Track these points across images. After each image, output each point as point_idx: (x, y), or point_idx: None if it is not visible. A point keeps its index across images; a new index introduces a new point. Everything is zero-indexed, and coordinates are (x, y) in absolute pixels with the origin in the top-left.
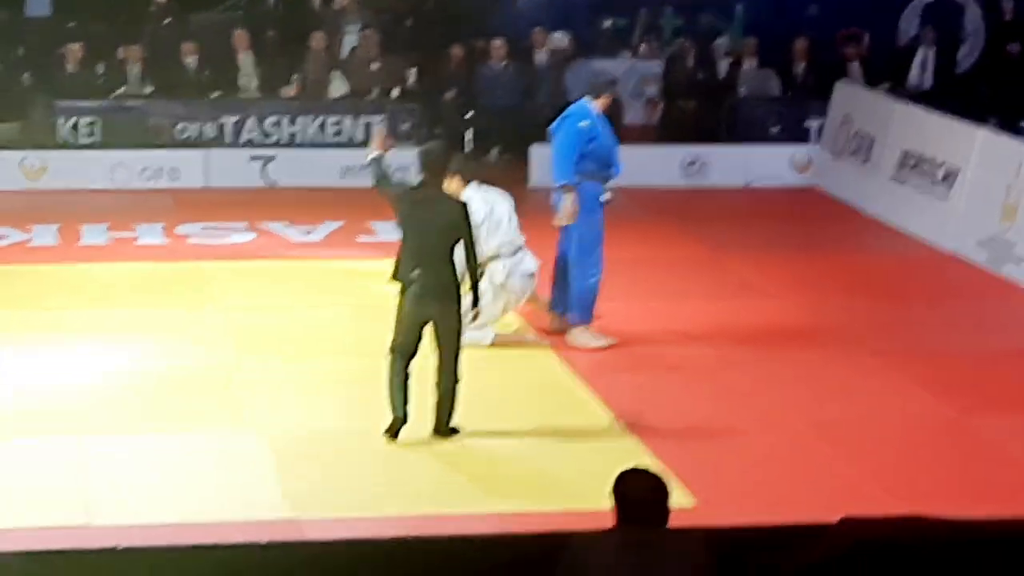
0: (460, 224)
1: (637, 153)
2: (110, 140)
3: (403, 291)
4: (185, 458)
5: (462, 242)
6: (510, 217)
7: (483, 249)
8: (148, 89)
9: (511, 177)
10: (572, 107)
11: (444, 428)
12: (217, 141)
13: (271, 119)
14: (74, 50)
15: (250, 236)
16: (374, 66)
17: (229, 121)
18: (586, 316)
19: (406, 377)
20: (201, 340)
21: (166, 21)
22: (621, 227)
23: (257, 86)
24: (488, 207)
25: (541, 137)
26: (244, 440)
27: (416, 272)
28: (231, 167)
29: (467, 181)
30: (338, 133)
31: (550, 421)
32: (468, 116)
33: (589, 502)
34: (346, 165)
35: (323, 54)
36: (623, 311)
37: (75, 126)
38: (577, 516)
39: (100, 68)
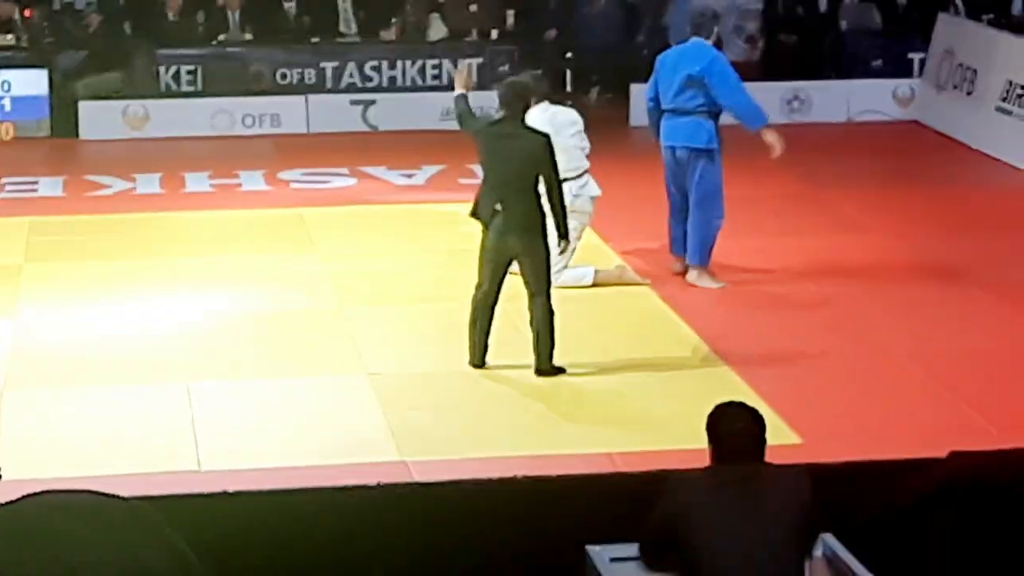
0: (542, 158)
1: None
2: (211, 87)
3: (485, 228)
4: (292, 402)
5: (543, 177)
6: (581, 138)
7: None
8: (248, 36)
9: (611, 116)
10: (692, 47)
11: (547, 366)
12: (317, 86)
13: (371, 63)
14: None
15: (351, 181)
16: (473, 8)
17: (329, 66)
18: (706, 259)
19: (489, 321)
20: (305, 285)
21: None
22: (723, 164)
23: (357, 30)
24: (553, 129)
25: (641, 76)
26: (351, 383)
27: (498, 207)
28: (332, 112)
29: (537, 101)
30: (437, 76)
31: (651, 359)
32: (567, 56)
33: (690, 440)
34: (446, 107)
35: None
36: (724, 248)
37: (176, 74)
38: (678, 454)
39: (200, 16)
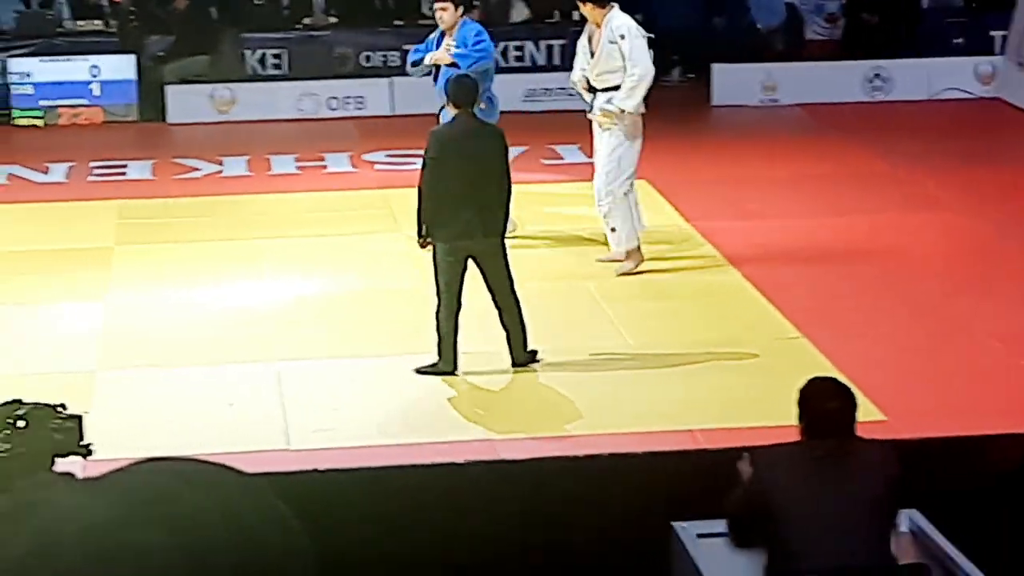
0: (504, 151)
1: (819, 69)
2: (297, 70)
3: (437, 234)
4: (380, 381)
5: (501, 172)
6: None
7: (641, 70)
8: (333, 19)
9: (692, 96)
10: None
11: (523, 358)
12: (401, 68)
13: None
14: None
15: None
16: None
17: (412, 48)
18: None
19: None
20: (390, 265)
21: None
22: (804, 143)
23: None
24: (636, 29)
25: (723, 56)
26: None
27: (456, 211)
28: (416, 94)
29: (607, 3)
30: (520, 58)
31: (732, 336)
32: (648, 36)
33: (774, 417)
34: (529, 89)
35: None
36: (806, 226)
37: (262, 58)
38: (761, 431)
39: (284, 0)
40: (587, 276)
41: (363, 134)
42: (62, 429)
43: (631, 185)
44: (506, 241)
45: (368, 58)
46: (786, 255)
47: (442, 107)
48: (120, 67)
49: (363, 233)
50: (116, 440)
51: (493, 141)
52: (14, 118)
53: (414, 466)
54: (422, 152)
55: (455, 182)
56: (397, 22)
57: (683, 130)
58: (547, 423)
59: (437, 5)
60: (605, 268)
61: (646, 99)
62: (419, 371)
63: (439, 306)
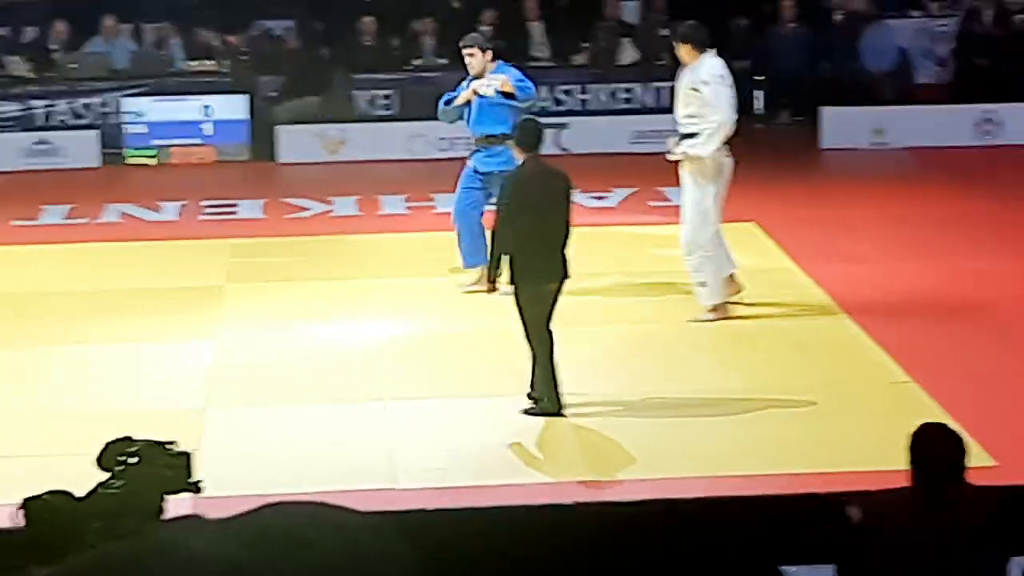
0: (570, 195)
1: (929, 112)
2: (406, 111)
3: (525, 277)
4: (486, 421)
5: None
6: None
7: (720, 117)
8: (442, 60)
9: (802, 139)
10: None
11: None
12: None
13: (563, 87)
14: (369, 24)
15: None
16: (663, 32)
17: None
18: None
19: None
20: (497, 306)
21: None
22: (913, 186)
23: (549, 55)
24: (728, 76)
25: (832, 99)
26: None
27: (538, 254)
28: None
29: (704, 48)
30: (629, 100)
31: (841, 380)
32: (758, 79)
33: (881, 461)
34: (637, 131)
35: (613, 22)
36: (914, 269)
37: (372, 98)
38: (869, 475)
39: (395, 41)
40: (693, 318)
41: None
42: (172, 466)
43: (718, 233)
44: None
45: None
46: (895, 298)
47: (475, 150)
48: (232, 107)
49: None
50: (225, 477)
51: (562, 183)
52: (127, 157)
53: (520, 507)
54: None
55: (533, 225)
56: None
57: (791, 172)
58: (651, 465)
59: (465, 51)
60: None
61: (734, 141)
62: (527, 412)
63: (535, 349)
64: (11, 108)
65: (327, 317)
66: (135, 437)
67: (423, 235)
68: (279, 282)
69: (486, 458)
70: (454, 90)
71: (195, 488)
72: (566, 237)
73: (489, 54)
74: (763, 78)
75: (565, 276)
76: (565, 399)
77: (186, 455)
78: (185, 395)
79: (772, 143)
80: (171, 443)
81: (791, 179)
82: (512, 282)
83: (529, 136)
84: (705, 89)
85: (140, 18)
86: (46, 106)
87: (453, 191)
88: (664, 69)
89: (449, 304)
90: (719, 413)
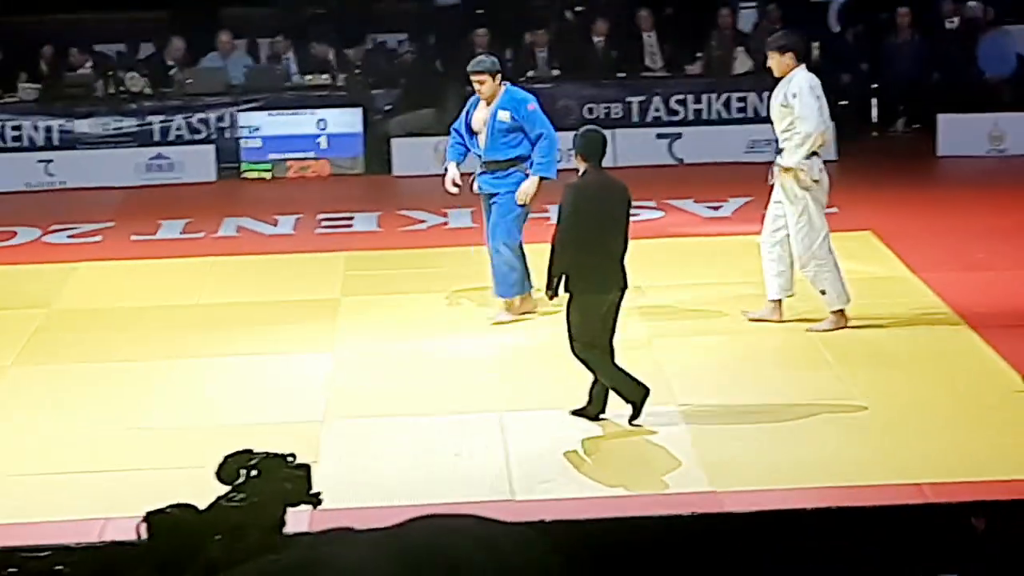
0: (627, 208)
1: None
2: None
3: (582, 287)
4: (603, 433)
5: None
6: None
7: (808, 127)
8: (555, 71)
9: (918, 147)
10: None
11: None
12: (624, 120)
13: (677, 97)
14: (482, 36)
15: (659, 214)
16: None
17: (635, 100)
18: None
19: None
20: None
21: (577, 8)
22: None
23: (662, 65)
24: (819, 85)
25: (948, 107)
26: (661, 414)
27: (598, 263)
28: (638, 146)
29: (797, 60)
30: (743, 109)
31: (962, 389)
32: (873, 87)
33: (1005, 472)
34: (752, 140)
35: (727, 31)
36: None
37: None
38: (990, 485)
39: (508, 53)
40: (812, 328)
41: None
42: (292, 478)
43: (828, 240)
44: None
45: (591, 110)
46: (1015, 306)
47: (480, 172)
48: (347, 120)
49: None
50: (344, 490)
51: (622, 195)
52: (243, 171)
53: (638, 517)
54: (645, 203)
55: (593, 235)
56: (620, 74)
57: (908, 181)
58: (772, 476)
59: (474, 78)
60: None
61: (850, 149)
62: (631, 422)
63: (588, 358)
64: (128, 124)
65: (443, 329)
66: (255, 450)
67: (539, 246)
68: (394, 294)
69: (602, 470)
70: (461, 115)
71: (316, 501)
72: (624, 248)
73: (499, 78)
74: (877, 87)
75: (624, 287)
76: (683, 409)
77: (306, 467)
78: (303, 408)
79: (888, 151)
80: (291, 456)
81: (908, 187)
82: (568, 290)
83: (593, 146)
84: (795, 102)
85: (255, 33)
86: (163, 121)
87: None
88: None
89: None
90: (839, 423)
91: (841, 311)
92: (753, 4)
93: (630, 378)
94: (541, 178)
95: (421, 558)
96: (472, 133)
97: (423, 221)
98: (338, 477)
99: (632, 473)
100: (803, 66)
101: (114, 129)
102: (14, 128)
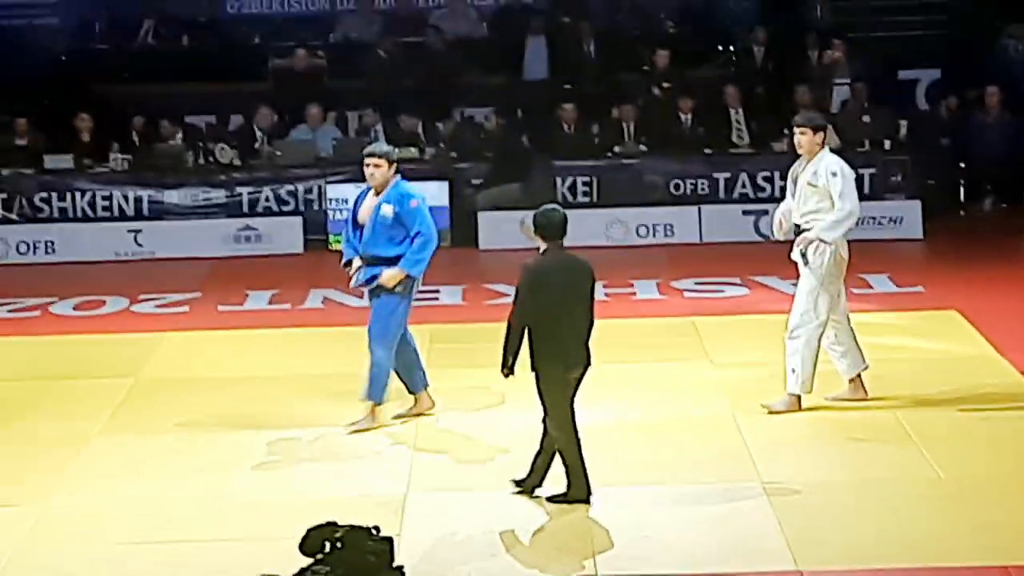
0: (591, 286)
1: None
2: (606, 198)
3: (548, 365)
4: (688, 509)
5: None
6: None
7: (851, 206)
8: (642, 147)
9: (1006, 226)
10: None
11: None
12: (710, 196)
13: (763, 174)
14: (569, 110)
15: (744, 290)
16: (865, 118)
17: (722, 177)
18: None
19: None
20: (698, 392)
21: (664, 84)
22: None
23: (749, 141)
24: (850, 170)
25: None
26: (745, 490)
27: (561, 342)
28: (724, 222)
29: (825, 142)
30: None
31: None
32: (961, 165)
33: None
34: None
35: (814, 108)
36: None
37: (573, 185)
38: None
39: (595, 128)
40: (895, 406)
41: (672, 261)
42: (376, 551)
43: (823, 329)
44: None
45: (677, 186)
46: None
47: (359, 267)
48: (434, 193)
49: (672, 360)
50: (426, 563)
51: (583, 273)
52: (331, 243)
53: None
54: (730, 280)
55: (554, 313)
56: (707, 150)
57: (996, 259)
58: (859, 555)
59: (369, 160)
60: (917, 398)
61: (938, 227)
62: (551, 499)
63: (559, 437)
64: (218, 195)
65: (527, 403)
66: (339, 522)
67: (624, 321)
68: (478, 368)
69: (690, 547)
70: (354, 204)
71: (399, 574)
72: (590, 327)
73: (394, 167)
74: (965, 165)
75: (587, 364)
76: (768, 486)
77: (389, 540)
78: (388, 480)
79: (975, 230)
80: (375, 528)
81: (995, 267)
82: (534, 368)
83: (553, 225)
84: (835, 180)
85: (344, 106)
86: (251, 193)
87: (653, 278)
88: (865, 156)
89: (651, 390)
90: (924, 502)
91: (797, 397)
92: (846, 81)
93: (584, 474)
94: (407, 275)
95: None
96: (356, 226)
97: (507, 295)
98: (421, 551)
99: (718, 551)
100: (827, 147)
101: (203, 200)
102: (104, 198)
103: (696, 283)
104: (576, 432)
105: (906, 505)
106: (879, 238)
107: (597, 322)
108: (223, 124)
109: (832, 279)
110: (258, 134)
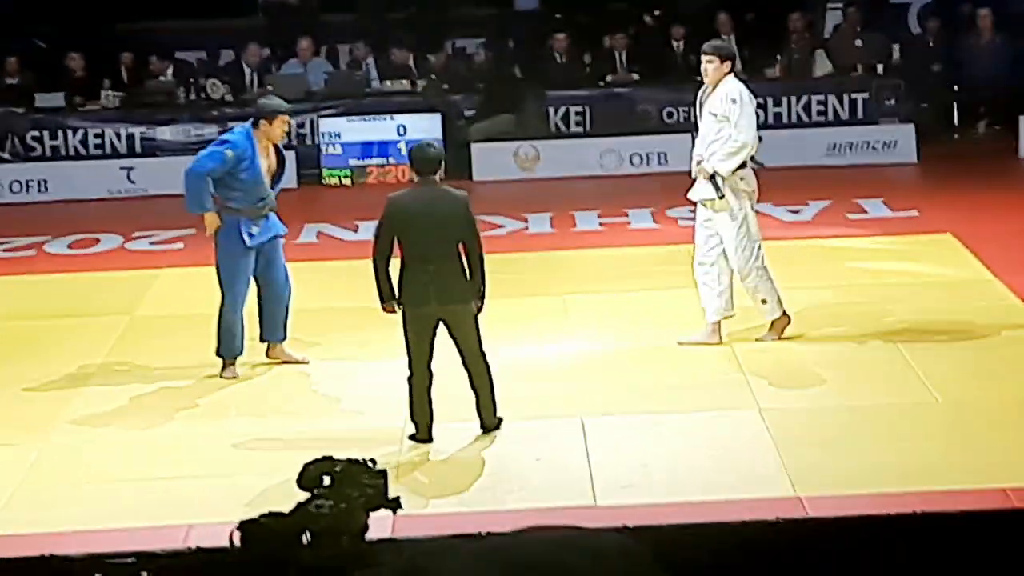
0: (466, 219)
1: None
2: (599, 127)
3: (403, 300)
4: (685, 437)
5: (465, 240)
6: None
7: (746, 137)
8: (635, 76)
9: (999, 148)
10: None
11: (493, 422)
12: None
13: (756, 100)
14: (561, 40)
15: None
16: (858, 43)
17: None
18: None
19: (431, 400)
20: (695, 322)
21: (656, 11)
22: None
23: (742, 68)
24: (749, 100)
25: None
26: (743, 418)
27: (416, 277)
28: None
29: (732, 67)
30: (823, 112)
31: None
32: (954, 89)
33: None
34: (832, 143)
35: (806, 34)
36: None
37: (566, 115)
38: None
39: (587, 58)
40: (891, 331)
41: (665, 189)
42: (373, 484)
43: (762, 249)
44: (476, 304)
45: (670, 114)
46: None
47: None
48: (426, 126)
49: (666, 288)
50: (425, 494)
51: (453, 208)
52: (324, 177)
53: (722, 524)
54: None
55: (412, 248)
56: (698, 78)
57: (989, 183)
58: (855, 480)
59: (288, 119)
60: (912, 322)
61: (934, 151)
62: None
63: (410, 374)
64: (210, 131)
65: (523, 334)
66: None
67: (617, 250)
68: None
69: (684, 475)
70: (229, 161)
71: (395, 506)
72: (476, 259)
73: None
74: (958, 88)
75: (457, 302)
76: (766, 412)
77: (384, 473)
78: (386, 414)
79: (968, 154)
80: (371, 461)
81: (989, 190)
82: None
83: (420, 160)
84: (734, 108)
85: (335, 40)
86: None
87: (647, 206)
88: (859, 80)
89: (645, 319)
90: (923, 428)
91: (783, 316)
92: (838, 5)
93: (427, 416)
94: None
95: (529, 570)
96: (257, 180)
97: (502, 226)
98: (418, 482)
99: (715, 479)
100: (733, 74)
101: (195, 136)
102: (96, 136)
103: (691, 211)
104: (424, 374)
105: (903, 430)
106: (873, 162)
107: (593, 252)
108: (214, 60)
109: (744, 205)
110: (246, 70)
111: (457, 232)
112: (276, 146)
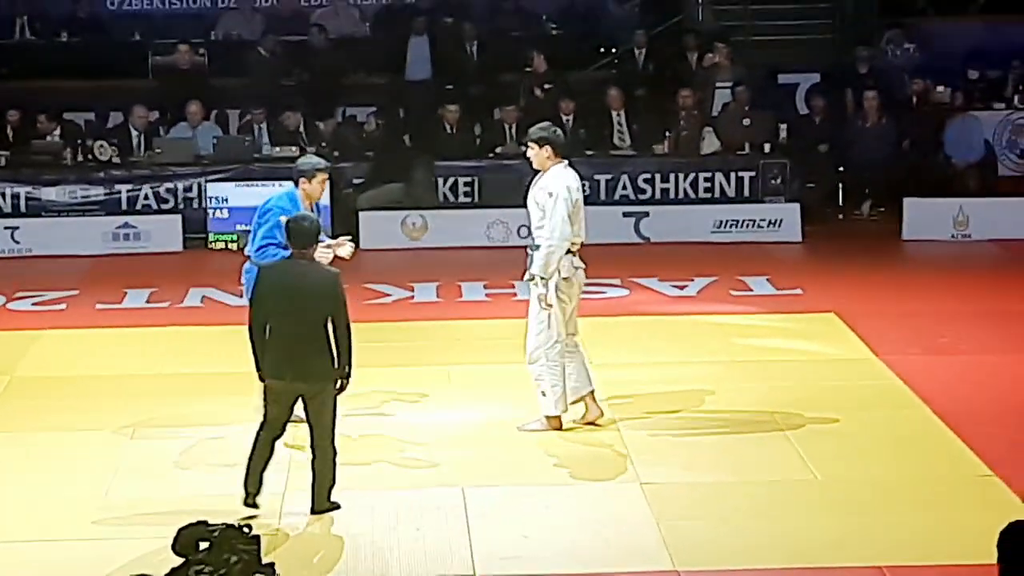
0: (335, 296)
1: (1012, 204)
2: (488, 198)
3: (268, 372)
4: (565, 510)
5: (333, 317)
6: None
7: (565, 231)
8: (523, 148)
9: (883, 229)
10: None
11: (325, 506)
12: (591, 198)
13: (644, 176)
14: (452, 111)
15: (624, 292)
16: (746, 122)
17: (603, 178)
18: None
19: (270, 458)
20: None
21: (546, 85)
22: (996, 279)
23: (630, 144)
24: (578, 187)
25: (915, 190)
26: (623, 492)
27: (277, 350)
28: (605, 223)
29: (560, 156)
30: (710, 189)
31: (922, 472)
32: (840, 169)
33: (968, 556)
34: (718, 220)
35: (695, 111)
36: (998, 362)
37: (454, 185)
38: (950, 570)
39: (477, 128)
40: (774, 408)
41: None
42: (248, 550)
43: (565, 346)
44: (339, 384)
45: None
46: (977, 391)
47: None
48: None
49: None
50: (304, 562)
51: (323, 284)
52: (210, 241)
53: None
54: (610, 281)
55: (276, 321)
56: (588, 152)
57: (872, 263)
58: (735, 556)
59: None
60: (794, 399)
61: (818, 230)
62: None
63: (255, 438)
64: (96, 192)
65: (407, 403)
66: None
67: (503, 321)
68: (359, 368)
69: (567, 546)
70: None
71: (271, 572)
72: (344, 338)
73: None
74: (844, 169)
75: (321, 380)
76: (646, 487)
77: (257, 538)
78: (266, 480)
79: (853, 234)
80: (247, 526)
81: (872, 270)
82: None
83: (296, 232)
84: (548, 201)
85: (226, 104)
86: (130, 190)
87: None
88: (746, 159)
89: (530, 390)
90: (802, 504)
91: (557, 418)
92: (728, 84)
93: (250, 480)
94: None
95: None
96: None
97: (389, 295)
98: (299, 550)
99: (595, 551)
100: (564, 162)
101: (81, 197)
102: None
103: None
104: (268, 445)
105: (782, 506)
106: (759, 240)
107: (479, 323)
108: (102, 121)
109: (561, 301)
110: (134, 133)
111: (324, 309)
112: (316, 204)
